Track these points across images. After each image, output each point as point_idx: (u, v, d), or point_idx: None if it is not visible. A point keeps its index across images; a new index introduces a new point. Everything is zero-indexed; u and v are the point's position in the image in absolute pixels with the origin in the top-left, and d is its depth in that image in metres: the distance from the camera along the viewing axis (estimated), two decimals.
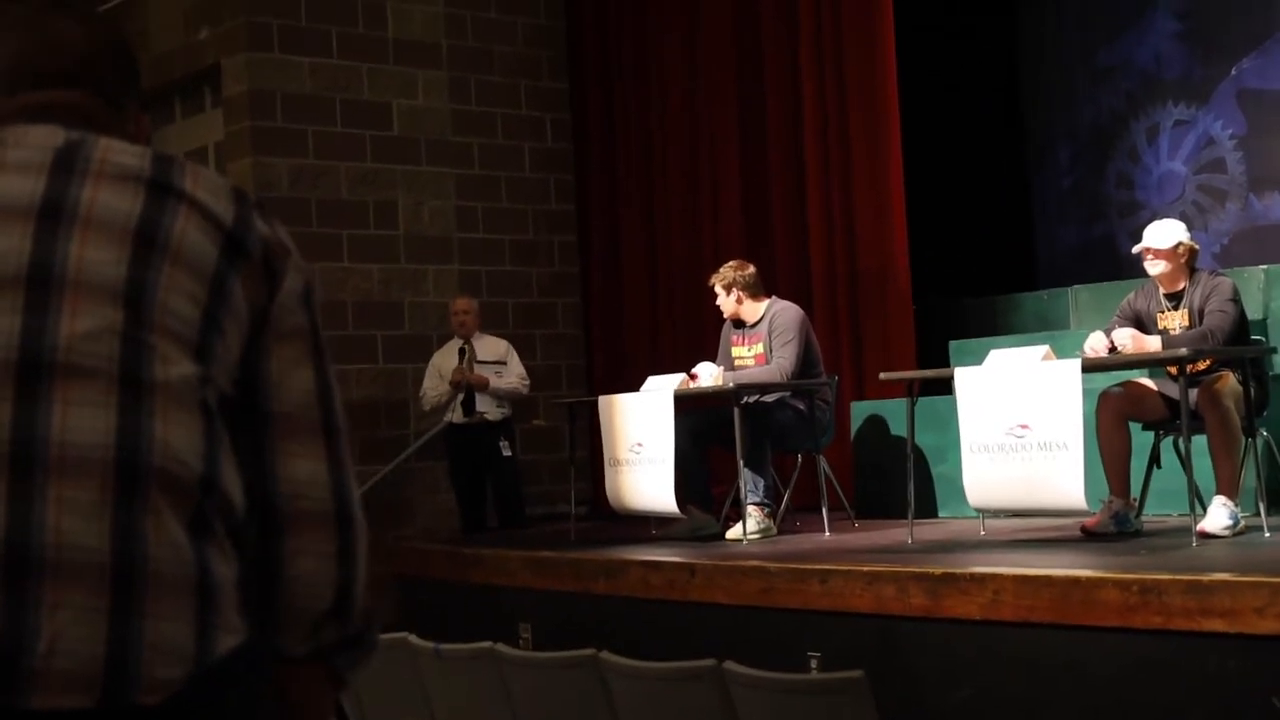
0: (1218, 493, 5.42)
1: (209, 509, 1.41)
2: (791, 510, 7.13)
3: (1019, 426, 5.42)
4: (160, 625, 1.35)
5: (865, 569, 5.13)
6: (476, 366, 8.19)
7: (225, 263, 1.48)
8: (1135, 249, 5.84)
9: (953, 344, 7.70)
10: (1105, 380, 5.97)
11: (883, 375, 6.56)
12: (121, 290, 1.41)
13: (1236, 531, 5.34)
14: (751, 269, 7.08)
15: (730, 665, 3.88)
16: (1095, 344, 5.63)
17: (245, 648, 1.42)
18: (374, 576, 1.56)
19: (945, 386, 6.16)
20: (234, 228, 1.50)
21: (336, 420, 1.55)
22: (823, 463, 6.90)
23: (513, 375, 8.25)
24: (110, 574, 1.33)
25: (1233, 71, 8.52)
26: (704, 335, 8.19)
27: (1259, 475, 5.46)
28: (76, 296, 1.40)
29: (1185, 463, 5.42)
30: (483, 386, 8.14)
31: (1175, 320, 5.70)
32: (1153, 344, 5.54)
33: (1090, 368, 5.47)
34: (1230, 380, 5.48)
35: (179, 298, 1.44)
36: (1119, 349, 5.55)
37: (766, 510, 6.73)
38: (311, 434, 1.52)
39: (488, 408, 8.18)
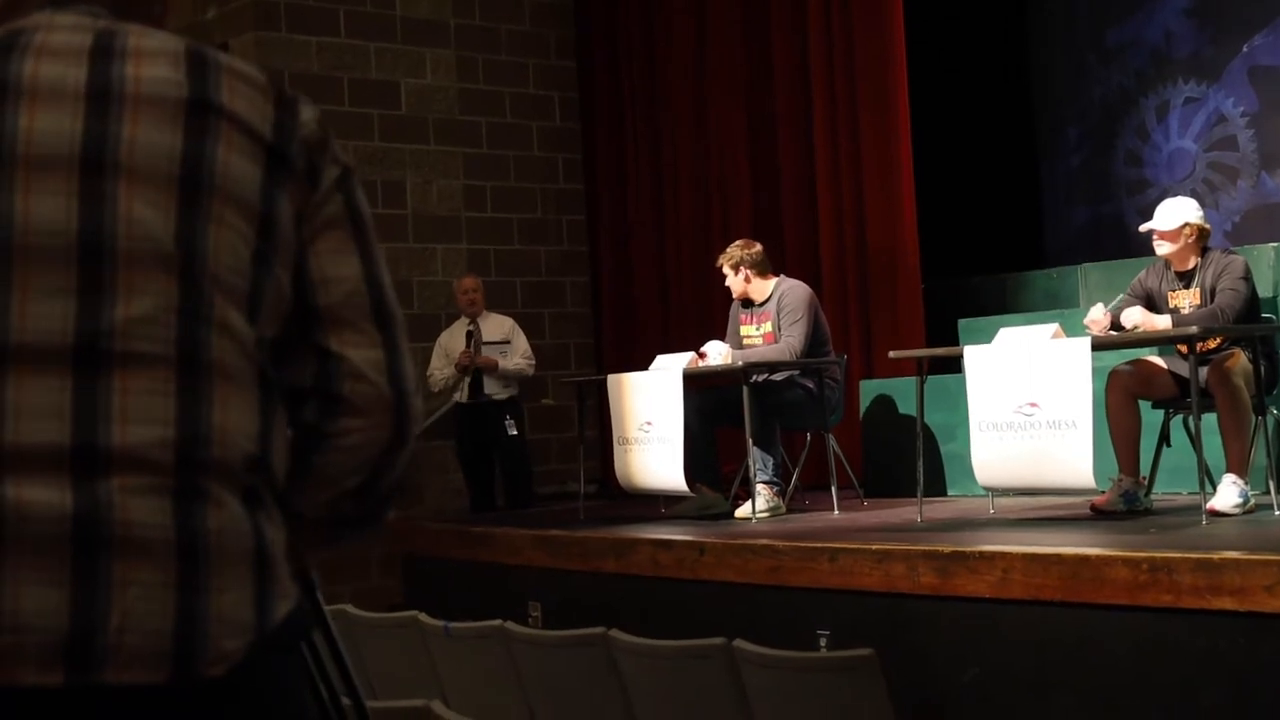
0: (1227, 471, 5.40)
1: (260, 484, 1.43)
2: (800, 489, 7.13)
3: (1028, 405, 5.41)
4: (224, 598, 1.36)
5: (874, 547, 5.13)
6: (483, 347, 8.19)
7: (270, 182, 1.45)
8: (1143, 227, 5.83)
9: (962, 322, 7.67)
10: (1115, 358, 5.94)
11: (892, 354, 6.57)
12: (174, 252, 1.39)
13: (1246, 510, 5.33)
14: (758, 247, 7.06)
15: (739, 644, 3.87)
16: (1096, 315, 5.62)
17: (295, 612, 1.44)
18: (410, 463, 1.56)
19: (954, 365, 6.16)
20: (275, 140, 1.46)
21: (389, 305, 1.52)
22: (831, 441, 6.87)
23: (518, 355, 8.25)
24: (175, 550, 1.35)
25: (1244, 49, 8.47)
26: (713, 314, 8.19)
27: (1269, 454, 5.43)
28: (130, 272, 1.38)
29: (1195, 441, 5.43)
30: (491, 368, 8.14)
31: (1186, 299, 5.67)
32: (1163, 322, 5.53)
33: (1100, 346, 5.44)
34: (1240, 359, 5.46)
35: (231, 241, 1.42)
36: (1127, 328, 5.53)
37: (775, 489, 6.72)
38: (363, 321, 1.50)
39: (494, 389, 8.18)
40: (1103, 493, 5.57)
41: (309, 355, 1.49)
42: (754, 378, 6.67)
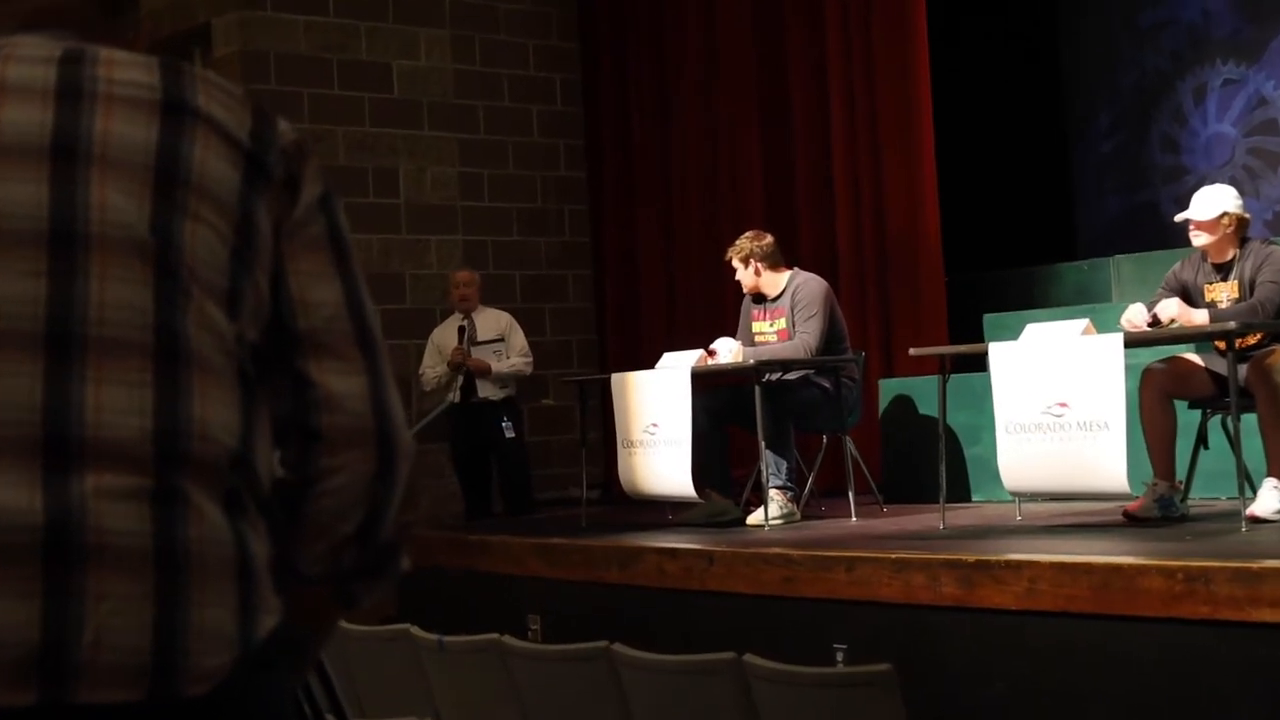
0: (1269, 475, 5.33)
1: (242, 487, 1.41)
2: (816, 494, 7.12)
3: (1057, 405, 5.37)
4: (205, 612, 1.35)
5: (894, 556, 5.10)
6: (475, 347, 8.18)
7: (248, 188, 1.46)
8: (1178, 217, 5.80)
9: (987, 318, 7.70)
10: (1149, 356, 5.93)
11: (913, 351, 6.57)
12: (149, 239, 1.40)
13: None
14: (769, 239, 7.02)
15: (750, 658, 3.81)
16: (1134, 316, 5.59)
17: (280, 627, 1.43)
18: (408, 501, 1.55)
19: (979, 363, 6.22)
20: (253, 148, 1.48)
21: (371, 331, 1.52)
22: (849, 444, 6.85)
23: (514, 353, 8.23)
24: (153, 561, 1.33)
25: None
26: (723, 310, 8.20)
27: None
28: (104, 257, 1.38)
29: (1234, 443, 5.34)
30: (484, 372, 8.12)
31: (1224, 292, 5.65)
32: (1199, 317, 5.51)
33: (1133, 342, 5.43)
34: None
35: (207, 238, 1.42)
36: (1163, 321, 5.51)
37: (789, 494, 6.67)
38: (345, 347, 1.49)
39: (489, 390, 8.17)
40: (1136, 498, 5.51)
41: (287, 382, 1.49)
42: (766, 377, 6.61)
